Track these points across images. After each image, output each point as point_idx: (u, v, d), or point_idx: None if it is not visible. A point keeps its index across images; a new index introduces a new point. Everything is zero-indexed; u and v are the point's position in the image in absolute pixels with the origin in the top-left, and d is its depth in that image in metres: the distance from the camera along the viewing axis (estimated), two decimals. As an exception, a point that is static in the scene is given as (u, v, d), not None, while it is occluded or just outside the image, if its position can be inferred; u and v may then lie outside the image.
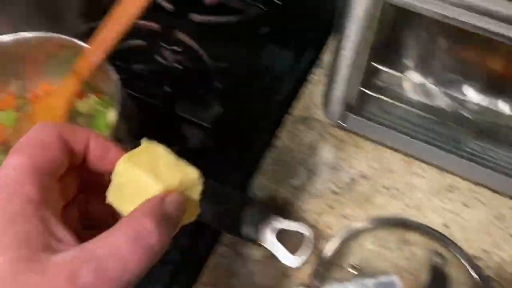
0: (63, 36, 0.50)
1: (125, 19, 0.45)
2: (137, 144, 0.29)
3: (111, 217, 0.27)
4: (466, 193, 0.53)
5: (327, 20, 0.65)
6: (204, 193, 0.29)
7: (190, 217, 0.29)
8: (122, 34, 0.45)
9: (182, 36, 0.63)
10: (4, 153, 0.51)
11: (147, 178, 0.26)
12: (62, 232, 0.23)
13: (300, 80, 0.61)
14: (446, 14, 0.32)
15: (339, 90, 0.50)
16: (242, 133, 0.58)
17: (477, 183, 0.53)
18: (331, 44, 0.63)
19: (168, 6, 0.65)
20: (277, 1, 0.69)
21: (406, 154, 0.55)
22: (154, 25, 0.64)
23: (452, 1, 0.31)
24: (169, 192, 0.26)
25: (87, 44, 0.48)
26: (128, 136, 0.50)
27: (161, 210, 0.24)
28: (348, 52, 0.44)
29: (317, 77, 0.61)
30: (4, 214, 0.22)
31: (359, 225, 0.50)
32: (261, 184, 0.54)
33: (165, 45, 0.64)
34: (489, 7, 0.30)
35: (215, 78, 0.60)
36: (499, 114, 0.45)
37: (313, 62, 0.62)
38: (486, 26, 0.31)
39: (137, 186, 0.27)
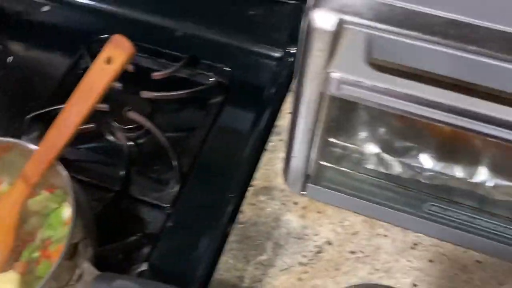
0: (9, 139, 0.48)
1: (75, 118, 0.44)
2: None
3: None
4: (430, 249, 0.54)
5: (280, 86, 0.67)
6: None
7: None
8: (73, 134, 0.44)
9: (133, 114, 0.63)
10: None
11: None
12: None
13: (259, 149, 0.61)
14: (389, 105, 0.33)
15: (297, 164, 0.50)
16: (204, 211, 0.57)
17: (439, 238, 0.54)
18: (284, 110, 0.64)
19: (116, 85, 0.65)
20: (226, 68, 0.70)
21: (367, 215, 0.56)
22: (102, 106, 0.63)
23: (393, 94, 0.32)
24: None
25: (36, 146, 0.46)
26: (85, 232, 0.48)
27: None
28: (302, 132, 0.45)
29: (274, 143, 0.61)
30: None
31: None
32: (227, 265, 0.53)
33: (117, 124, 0.63)
34: (430, 98, 0.32)
35: (170, 155, 0.60)
36: (453, 177, 0.46)
37: (269, 129, 0.62)
38: (430, 115, 0.32)
39: None
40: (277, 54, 0.70)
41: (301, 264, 0.53)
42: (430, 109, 0.31)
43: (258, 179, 0.59)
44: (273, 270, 0.53)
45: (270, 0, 0.67)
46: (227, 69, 0.70)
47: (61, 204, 0.52)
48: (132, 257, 0.54)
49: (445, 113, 0.31)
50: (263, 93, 0.67)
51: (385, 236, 0.55)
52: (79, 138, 0.61)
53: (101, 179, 0.59)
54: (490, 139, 0.31)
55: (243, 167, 0.60)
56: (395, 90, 0.31)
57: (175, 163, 0.59)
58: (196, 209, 0.58)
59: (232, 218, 0.56)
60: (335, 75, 0.32)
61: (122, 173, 0.59)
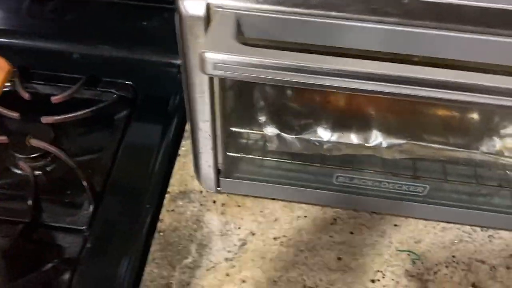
0: None
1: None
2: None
3: None
4: (349, 221, 0.56)
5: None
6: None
7: None
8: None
9: (36, 142, 0.60)
10: None
11: None
12: None
13: (171, 156, 0.60)
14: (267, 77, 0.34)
15: (205, 159, 0.50)
16: (122, 226, 0.56)
17: (355, 209, 0.56)
18: (190, 113, 0.64)
19: (13, 114, 0.62)
20: (127, 82, 0.69)
21: (285, 200, 0.57)
22: (1, 138, 0.60)
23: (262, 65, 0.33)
24: None
25: None
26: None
27: None
28: (201, 125, 0.45)
29: (186, 148, 0.61)
30: None
31: None
32: (152, 275, 0.51)
33: (20, 155, 0.61)
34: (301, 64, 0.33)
35: (79, 176, 0.58)
36: (351, 145, 0.48)
37: (179, 135, 0.62)
38: (300, 80, 0.33)
39: None
40: (177, 61, 0.71)
41: (227, 259, 0.53)
42: (299, 74, 0.32)
43: (174, 185, 0.58)
44: (200, 270, 0.52)
45: (161, 9, 0.67)
46: (129, 83, 0.69)
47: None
48: (52, 286, 0.51)
49: (311, 75, 0.32)
50: (169, 101, 0.67)
51: (305, 217, 0.56)
52: (-20, 176, 0.59)
53: (9, 213, 0.56)
54: (347, 92, 0.32)
55: (157, 176, 0.59)
56: (265, 61, 0.32)
57: (85, 183, 0.57)
58: (114, 226, 0.56)
59: (152, 228, 0.55)
60: (208, 55, 0.33)
61: (30, 203, 0.56)
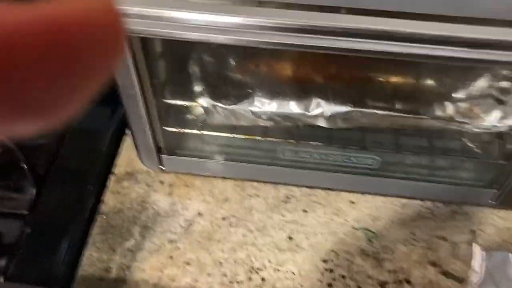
0: None
1: None
2: None
3: None
4: (302, 199, 0.53)
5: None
6: None
7: None
8: None
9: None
10: None
11: None
12: None
13: (118, 137, 0.58)
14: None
15: (141, 135, 0.47)
16: (64, 209, 0.53)
17: (309, 186, 0.53)
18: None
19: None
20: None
21: (236, 179, 0.54)
22: None
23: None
24: None
25: None
26: None
27: None
28: (130, 98, 0.42)
29: (133, 128, 0.58)
30: None
31: None
32: (91, 259, 0.49)
33: (-39, 140, 0.58)
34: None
35: (20, 158, 0.55)
36: (291, 114, 0.45)
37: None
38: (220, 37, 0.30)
39: None
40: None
41: (171, 241, 0.50)
42: (198, 27, 0.29)
43: (120, 166, 0.55)
44: (142, 253, 0.49)
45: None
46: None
47: None
48: (-14, 274, 0.49)
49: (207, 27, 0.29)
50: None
51: (257, 196, 0.53)
52: None
53: None
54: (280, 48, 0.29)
55: (102, 158, 0.57)
56: (168, 13, 0.29)
57: (25, 166, 0.54)
58: (56, 210, 0.53)
59: (94, 211, 0.52)
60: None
61: (-33, 188, 0.53)
